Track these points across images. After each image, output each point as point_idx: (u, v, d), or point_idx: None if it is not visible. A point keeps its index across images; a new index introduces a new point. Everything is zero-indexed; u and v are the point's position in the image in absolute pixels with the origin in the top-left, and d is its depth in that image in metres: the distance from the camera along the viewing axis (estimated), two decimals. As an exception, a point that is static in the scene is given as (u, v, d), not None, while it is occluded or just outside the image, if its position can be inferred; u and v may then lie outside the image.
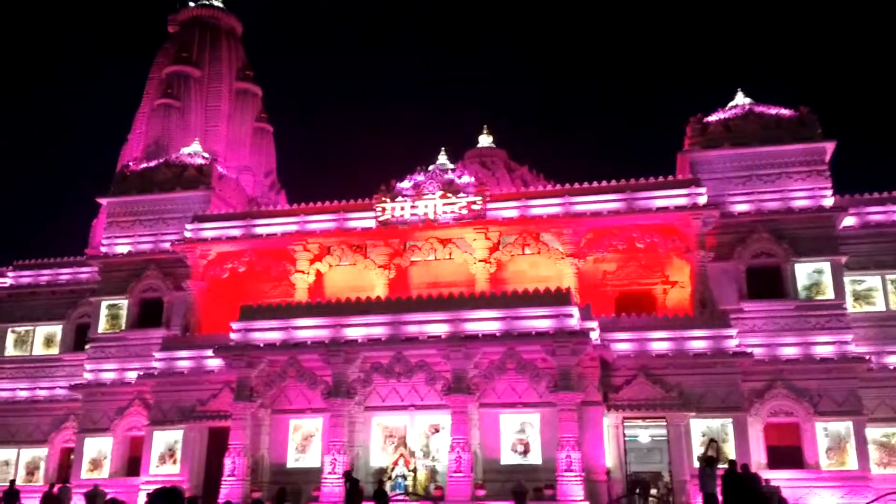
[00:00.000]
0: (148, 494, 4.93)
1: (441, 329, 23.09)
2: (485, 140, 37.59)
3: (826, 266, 26.41)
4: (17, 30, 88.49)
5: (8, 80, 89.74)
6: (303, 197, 31.24)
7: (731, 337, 24.34)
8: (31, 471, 31.51)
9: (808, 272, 26.52)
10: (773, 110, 28.60)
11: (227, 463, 23.47)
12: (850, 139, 31.70)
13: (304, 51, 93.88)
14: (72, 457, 30.23)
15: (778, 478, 22.75)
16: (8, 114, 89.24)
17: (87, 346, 31.09)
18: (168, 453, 26.84)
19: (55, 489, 25.13)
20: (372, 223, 28.42)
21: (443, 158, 30.16)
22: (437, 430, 24.20)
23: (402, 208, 28.14)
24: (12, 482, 26.43)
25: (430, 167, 29.21)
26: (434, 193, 28.08)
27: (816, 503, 23.46)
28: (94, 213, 37.75)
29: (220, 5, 41.49)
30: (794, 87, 75.71)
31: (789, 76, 79.41)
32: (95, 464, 29.18)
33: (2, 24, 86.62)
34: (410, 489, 22.96)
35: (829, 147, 27.54)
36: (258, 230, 29.60)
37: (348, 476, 20.84)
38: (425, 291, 24.86)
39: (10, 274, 34.42)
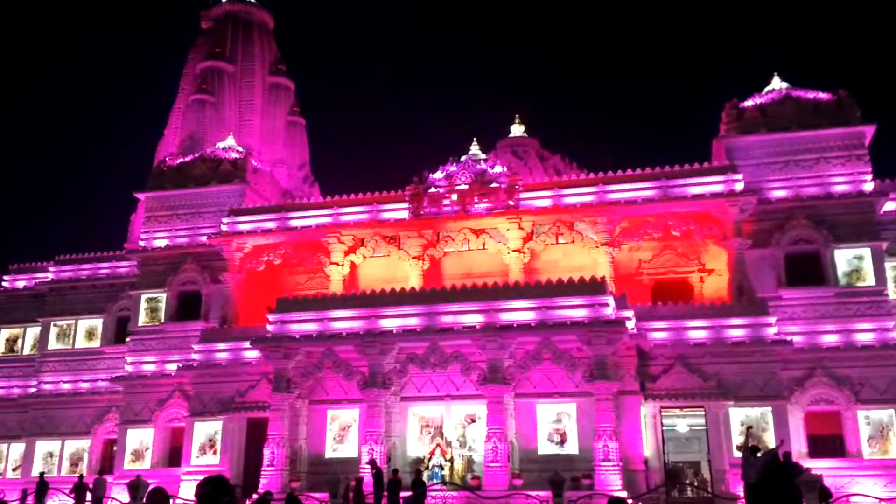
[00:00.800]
0: (198, 484, 5.05)
1: (476, 319, 23.11)
2: (517, 130, 37.42)
3: (866, 252, 25.97)
4: (55, 28, 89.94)
5: (47, 79, 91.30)
6: (336, 189, 31.50)
7: (769, 325, 24.05)
8: (75, 462, 32.13)
9: (848, 258, 26.10)
10: (811, 94, 28.12)
11: (267, 453, 23.77)
12: (890, 122, 31.03)
13: (336, 44, 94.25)
14: (114, 448, 30.81)
15: (819, 467, 22.39)
16: (48, 112, 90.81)
17: (127, 339, 31.62)
18: (208, 444, 27.24)
19: (86, 479, 25.47)
20: (405, 214, 28.50)
21: (475, 149, 30.14)
22: (473, 420, 24.27)
23: (436, 199, 28.16)
24: (42, 474, 27.03)
25: (463, 158, 29.21)
26: (467, 184, 28.06)
27: (859, 492, 23.12)
28: (133, 207, 38.30)
29: (252, 0, 41.73)
30: (831, 71, 74.31)
31: (827, 59, 77.97)
32: (137, 454, 29.71)
33: (41, 23, 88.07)
34: (447, 479, 23.06)
35: (869, 131, 27.04)
36: (293, 223, 29.85)
37: (373, 464, 21.07)
38: (459, 282, 24.89)
39: (51, 269, 35.07)
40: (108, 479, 27.29)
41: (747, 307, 24.58)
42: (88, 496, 24.77)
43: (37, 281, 35.72)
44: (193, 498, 6.19)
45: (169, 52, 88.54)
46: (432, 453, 23.79)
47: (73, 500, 25.39)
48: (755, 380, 23.61)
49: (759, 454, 19.71)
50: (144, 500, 18.60)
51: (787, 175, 27.10)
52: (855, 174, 26.67)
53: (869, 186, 26.46)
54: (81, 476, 26.80)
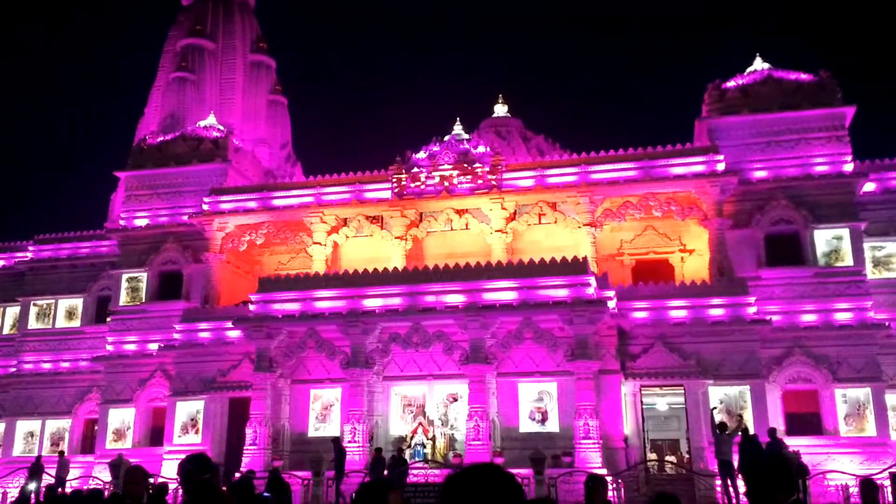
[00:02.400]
0: (180, 462, 5.06)
1: (458, 299, 23.18)
2: (500, 110, 37.33)
3: (845, 232, 26.21)
4: (35, 4, 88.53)
5: (25, 57, 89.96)
6: (319, 169, 31.50)
7: (749, 304, 24.27)
8: (56, 441, 32.00)
9: (827, 238, 26.33)
10: (793, 75, 28.22)
11: (249, 432, 23.80)
12: (870, 104, 31.28)
13: (318, 22, 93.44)
14: (96, 427, 30.73)
15: (796, 444, 22.76)
16: (27, 90, 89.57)
17: (108, 319, 31.46)
18: (190, 423, 27.22)
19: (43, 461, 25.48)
20: (388, 194, 28.43)
21: (458, 129, 30.06)
22: (455, 399, 24.40)
23: (418, 179, 28.12)
24: (38, 458, 26.89)
25: (446, 138, 29.14)
26: (450, 164, 28.03)
27: (835, 468, 23.48)
28: (113, 187, 37.97)
29: (233, -23, 41.21)
30: (813, 52, 74.59)
31: (808, 41, 78.21)
32: (119, 434, 29.66)
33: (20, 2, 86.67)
34: (429, 457, 23.21)
35: (849, 112, 27.20)
36: (275, 202, 29.71)
37: (336, 441, 21.46)
38: (442, 262, 24.91)
39: (31, 248, 34.74)
40: (98, 460, 27.25)
41: (727, 287, 24.78)
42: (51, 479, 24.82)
43: (16, 260, 35.36)
44: (176, 476, 6.20)
45: (149, 29, 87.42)
46: (414, 432, 23.91)
47: (27, 481, 25.38)
48: (734, 359, 23.84)
49: (727, 431, 20.02)
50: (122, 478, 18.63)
51: (768, 156, 27.25)
52: (835, 155, 26.85)
53: (849, 167, 26.66)
54: (39, 457, 26.79)
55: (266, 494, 13.93)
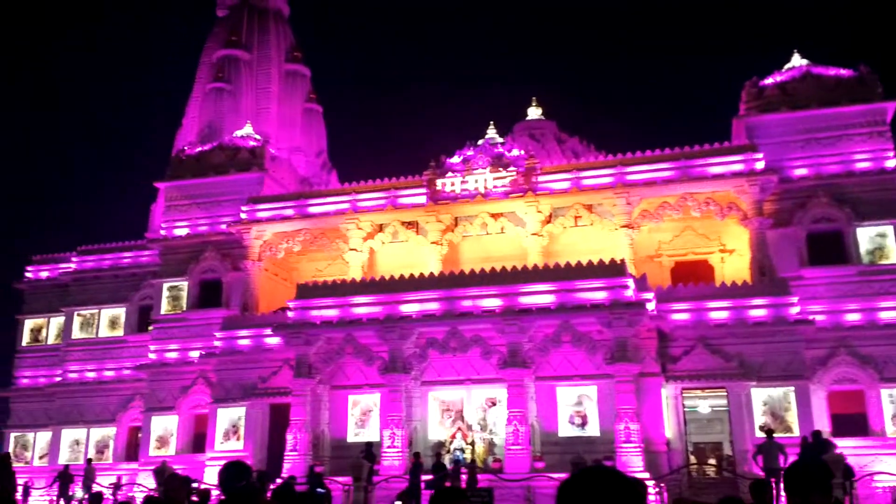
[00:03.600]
0: (220, 469, 5.14)
1: (495, 303, 23.12)
2: (534, 112, 37.24)
3: (889, 229, 25.68)
4: (73, 19, 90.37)
5: (66, 70, 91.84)
6: (354, 176, 31.59)
7: (792, 304, 23.87)
8: (101, 449, 32.54)
9: (870, 236, 25.82)
10: (832, 71, 27.75)
11: (290, 438, 23.96)
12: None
13: (351, 29, 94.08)
14: (139, 435, 31.18)
15: (843, 446, 22.28)
16: (68, 103, 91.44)
17: (150, 328, 31.94)
18: (232, 430, 27.50)
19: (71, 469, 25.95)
20: (423, 199, 28.49)
21: (492, 132, 30.01)
22: (493, 404, 24.32)
23: (453, 184, 28.14)
24: (66, 466, 27.30)
25: (480, 142, 29.12)
26: (484, 168, 28.01)
27: (882, 470, 22.96)
28: (153, 197, 38.55)
29: (267, -13, 41.68)
30: (852, 47, 73.24)
31: (847, 36, 76.85)
32: (162, 441, 30.06)
33: (59, 14, 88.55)
34: (468, 462, 23.13)
35: (891, 107, 26.68)
36: (311, 209, 29.95)
37: (367, 446, 21.59)
38: (478, 266, 24.88)
39: (74, 259, 35.43)
40: (143, 467, 27.65)
41: (769, 287, 24.40)
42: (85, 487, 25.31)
43: (60, 271, 36.11)
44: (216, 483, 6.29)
45: (187, 41, 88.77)
46: (453, 437, 23.88)
47: (56, 491, 25.86)
48: (777, 360, 23.45)
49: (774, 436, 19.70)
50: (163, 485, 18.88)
51: (808, 153, 26.81)
52: (877, 151, 26.34)
53: (892, 163, 26.12)
54: (67, 466, 27.20)
55: (320, 490, 14.04)
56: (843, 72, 27.58)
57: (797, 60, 28.88)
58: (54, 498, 26.69)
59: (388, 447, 22.83)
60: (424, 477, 20.59)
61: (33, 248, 48.07)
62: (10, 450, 34.15)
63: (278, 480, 21.33)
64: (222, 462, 21.39)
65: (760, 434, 22.08)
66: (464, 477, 21.85)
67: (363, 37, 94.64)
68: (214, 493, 18.63)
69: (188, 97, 40.10)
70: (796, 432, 22.20)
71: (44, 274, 36.90)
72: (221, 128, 36.47)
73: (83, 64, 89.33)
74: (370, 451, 22.06)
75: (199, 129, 37.43)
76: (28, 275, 37.19)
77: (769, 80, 28.27)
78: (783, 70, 28.69)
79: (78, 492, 26.07)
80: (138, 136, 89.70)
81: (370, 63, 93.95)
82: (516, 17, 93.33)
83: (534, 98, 37.45)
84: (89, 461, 28.22)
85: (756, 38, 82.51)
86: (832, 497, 4.14)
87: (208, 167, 32.58)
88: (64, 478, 26.01)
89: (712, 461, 24.22)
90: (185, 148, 34.22)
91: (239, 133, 33.93)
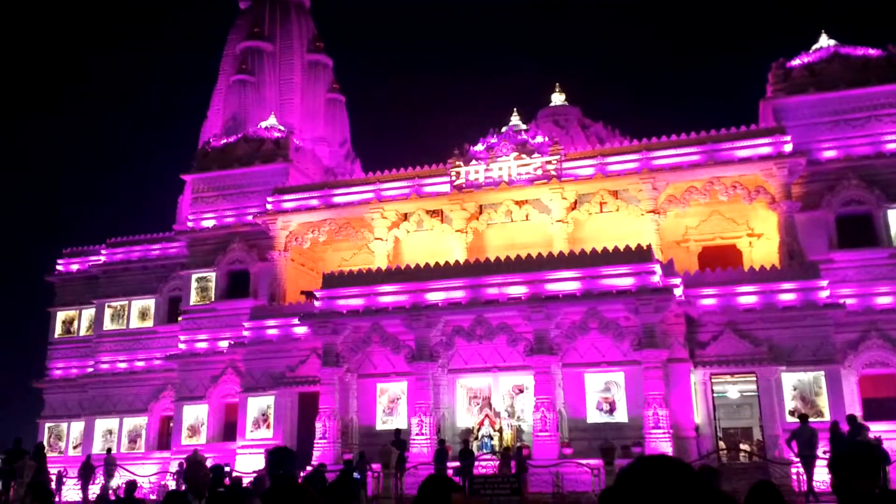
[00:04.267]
0: (266, 451, 5.25)
1: (521, 291, 23.10)
2: (557, 98, 37.02)
3: (921, 211, 25.28)
4: (101, 14, 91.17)
5: (93, 65, 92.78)
6: (378, 165, 31.70)
7: (821, 288, 23.61)
8: (134, 438, 33.03)
9: (901, 218, 25.45)
10: (860, 51, 27.32)
11: (319, 426, 24.17)
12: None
13: (372, 18, 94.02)
14: (171, 424, 31.59)
15: (875, 430, 22.06)
16: (95, 98, 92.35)
17: (179, 318, 32.30)
18: (262, 418, 27.76)
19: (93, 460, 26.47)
20: (447, 188, 28.49)
21: (515, 119, 29.89)
22: (521, 391, 24.35)
23: (477, 171, 28.10)
24: (88, 457, 27.75)
25: (503, 129, 29.04)
26: (508, 155, 27.93)
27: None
28: (180, 189, 38.87)
29: (289, -22, 41.78)
30: (880, 27, 71.99)
31: (875, 15, 75.51)
32: (193, 430, 30.43)
33: (85, 9, 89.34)
34: (497, 448, 23.21)
35: (922, 86, 26.20)
36: (336, 199, 30.08)
37: (397, 433, 21.70)
38: (503, 254, 24.85)
39: (104, 252, 35.87)
40: (174, 455, 28.02)
41: (798, 271, 24.15)
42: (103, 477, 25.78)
43: (90, 264, 36.56)
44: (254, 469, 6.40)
45: (209, 33, 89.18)
46: (481, 424, 23.96)
47: (79, 482, 26.33)
48: (808, 344, 23.22)
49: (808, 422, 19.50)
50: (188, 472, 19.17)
51: (837, 135, 26.45)
52: (908, 132, 25.90)
53: (923, 144, 25.70)
54: (89, 456, 27.66)
55: (356, 476, 14.14)
56: (872, 52, 27.15)
57: (825, 41, 28.46)
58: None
59: (417, 434, 22.95)
60: (451, 464, 20.68)
61: (63, 242, 48.74)
62: (45, 440, 34.76)
63: (308, 468, 21.55)
64: (253, 450, 21.78)
65: (791, 419, 21.95)
66: (492, 462, 21.94)
67: (385, 25, 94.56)
68: (245, 480, 18.90)
69: (213, 89, 40.34)
70: (827, 417, 22.00)
71: (74, 267, 37.40)
72: (246, 119, 36.67)
73: (110, 58, 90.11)
74: (399, 439, 22.19)
75: (224, 121, 37.65)
76: (59, 268, 37.72)
77: (796, 62, 27.89)
78: (811, 51, 28.30)
79: (100, 481, 26.51)
80: (165, 129, 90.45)
81: (392, 52, 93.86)
82: (539, 2, 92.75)
83: (557, 84, 37.23)
84: (108, 451, 28.73)
85: (783, 19, 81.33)
86: (878, 481, 4.10)
87: (234, 159, 32.80)
88: (86, 469, 26.44)
89: (743, 446, 24.08)
90: (211, 140, 34.46)
91: (263, 124, 34.10)
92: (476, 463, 21.25)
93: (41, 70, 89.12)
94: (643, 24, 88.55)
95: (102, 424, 33.49)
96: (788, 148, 25.78)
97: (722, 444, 23.73)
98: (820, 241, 25.58)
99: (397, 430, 22.75)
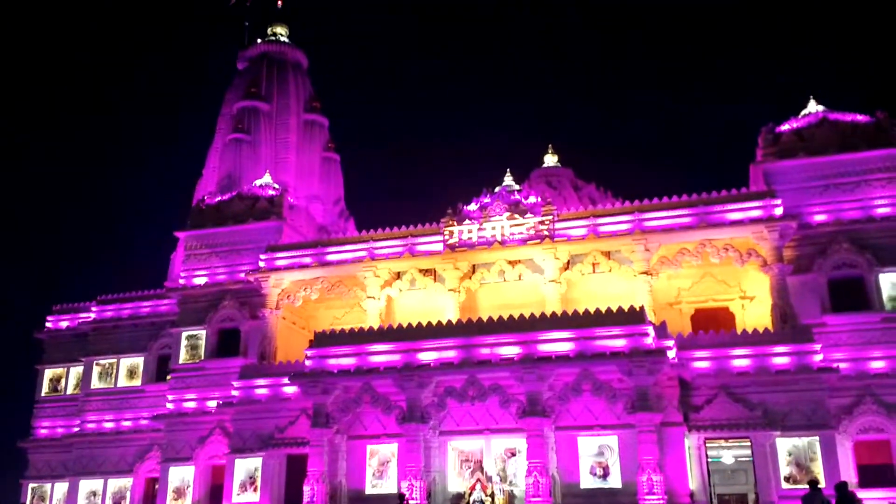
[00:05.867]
0: None
1: (514, 351, 22.96)
2: (550, 160, 37.45)
3: (913, 275, 25.36)
4: (96, 69, 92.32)
5: (87, 121, 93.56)
6: (371, 223, 31.68)
7: (815, 352, 23.52)
8: (118, 501, 32.38)
9: (893, 282, 25.56)
10: (849, 117, 27.75)
11: (307, 490, 23.71)
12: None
13: (369, 77, 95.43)
14: (156, 486, 30.97)
15: (870, 497, 21.85)
16: (88, 154, 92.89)
17: (168, 377, 31.91)
18: (249, 481, 27.23)
19: None
20: (440, 247, 28.52)
21: (508, 180, 30.16)
22: (513, 454, 24.00)
23: (470, 231, 28.17)
24: None
25: (497, 189, 29.30)
26: (501, 215, 28.05)
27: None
28: (173, 246, 38.86)
29: (287, 41, 42.52)
30: (866, 92, 73.40)
31: (860, 81, 77.06)
32: (179, 492, 29.81)
33: (79, 64, 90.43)
34: (489, 514, 22.75)
35: (910, 152, 26.54)
36: (329, 258, 30.05)
37: (401, 499, 21.13)
38: (496, 314, 24.76)
39: (94, 309, 35.62)
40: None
41: (791, 334, 24.09)
42: None
43: (80, 321, 36.30)
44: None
45: (206, 93, 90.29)
46: (472, 488, 23.50)
47: None
48: (802, 408, 23.02)
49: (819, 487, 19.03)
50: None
51: (828, 199, 26.69)
52: (897, 196, 26.15)
53: (913, 208, 25.92)
54: None
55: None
56: (860, 117, 27.58)
57: (813, 106, 28.94)
58: None
59: (408, 499, 22.48)
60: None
61: (53, 299, 48.44)
62: (28, 501, 34.06)
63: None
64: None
65: (787, 485, 21.73)
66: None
67: (381, 86, 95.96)
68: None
69: (208, 148, 40.66)
70: (822, 483, 21.67)
71: (63, 324, 37.10)
72: (240, 177, 36.89)
73: (104, 115, 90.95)
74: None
75: (219, 178, 37.86)
76: (48, 325, 37.42)
77: (786, 126, 28.30)
78: (799, 116, 28.74)
79: None
80: (159, 187, 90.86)
81: (388, 112, 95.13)
82: (530, 63, 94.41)
83: (550, 145, 37.73)
84: None
85: (770, 84, 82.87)
86: None
87: (227, 216, 32.85)
88: None
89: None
90: (206, 197, 34.57)
91: (258, 182, 34.28)
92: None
93: (35, 125, 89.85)
94: (637, 87, 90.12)
95: (87, 485, 32.83)
96: (779, 211, 25.97)
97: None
98: (812, 305, 25.59)
99: (400, 496, 22.00)
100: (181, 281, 32.89)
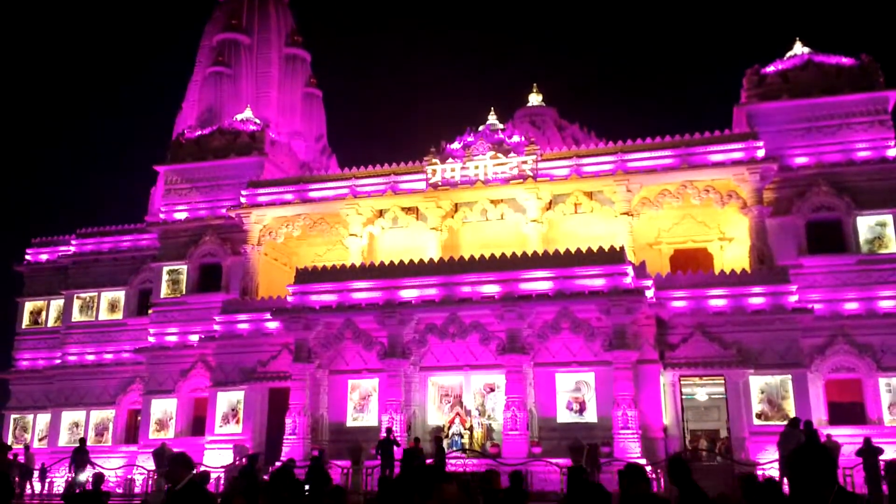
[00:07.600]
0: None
1: (494, 290, 23.16)
2: (534, 99, 37.13)
3: (889, 218, 25.73)
4: (72, 3, 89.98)
5: (64, 54, 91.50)
6: (354, 161, 31.53)
7: (790, 293, 23.92)
8: (101, 432, 32.67)
9: (870, 225, 25.86)
10: (834, 60, 27.69)
11: (289, 422, 24.06)
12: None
13: (351, 13, 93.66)
14: (139, 417, 31.29)
15: (839, 434, 22.49)
16: (67, 86, 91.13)
17: (149, 311, 31.96)
18: (231, 413, 27.57)
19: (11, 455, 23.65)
20: (423, 185, 28.47)
21: (492, 119, 29.93)
22: (492, 389, 24.41)
23: (453, 170, 28.11)
24: (82, 440, 26.75)
25: (480, 128, 29.06)
26: (484, 154, 27.97)
27: (880, 459, 23.06)
28: (153, 181, 38.48)
29: (268, -29, 41.48)
30: (853, 35, 73.03)
31: (849, 23, 76.58)
32: (161, 424, 30.15)
33: (64, 5, 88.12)
34: (467, 447, 23.26)
35: (892, 96, 26.66)
36: (311, 194, 29.93)
37: (388, 432, 21.41)
38: (478, 253, 24.88)
39: (73, 242, 35.41)
40: (142, 449, 27.67)
41: (768, 275, 24.44)
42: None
43: (59, 254, 36.13)
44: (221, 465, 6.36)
45: (186, 25, 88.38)
46: (452, 422, 23.97)
47: (71, 468, 25.33)
48: (775, 348, 23.52)
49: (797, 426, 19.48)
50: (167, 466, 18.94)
51: (809, 142, 26.80)
52: (878, 140, 26.34)
53: (892, 152, 26.13)
54: (83, 440, 26.21)
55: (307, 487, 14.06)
56: (845, 60, 27.52)
57: (799, 48, 28.81)
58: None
59: (394, 434, 22.80)
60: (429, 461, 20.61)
61: (32, 231, 48.08)
62: (10, 431, 34.33)
63: (277, 463, 21.45)
64: (222, 445, 21.63)
65: (758, 421, 22.33)
66: (461, 461, 21.98)
67: (364, 21, 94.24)
68: (214, 475, 18.79)
69: (188, 81, 39.97)
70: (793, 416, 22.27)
71: (43, 257, 36.91)
72: (221, 112, 36.37)
73: (82, 47, 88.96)
74: (390, 439, 21.51)
75: (199, 113, 37.31)
76: (28, 257, 37.20)
77: (770, 68, 28.21)
78: (785, 58, 28.63)
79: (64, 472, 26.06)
80: (138, 120, 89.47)
81: (371, 48, 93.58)
82: (518, 2, 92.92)
83: (534, 84, 37.36)
84: (82, 441, 27.10)
85: (758, 25, 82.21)
86: (836, 485, 4.18)
87: (208, 151, 32.52)
88: (79, 454, 25.16)
89: (707, 445, 24.33)
90: (185, 131, 34.13)
91: (239, 117, 33.84)
92: (447, 461, 21.26)
93: (15, 60, 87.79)
94: (622, 28, 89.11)
95: (69, 417, 33.09)
96: (761, 153, 26.08)
97: (689, 445, 23.95)
98: (790, 247, 25.91)
99: (388, 430, 22.07)
100: (161, 216, 32.69)
